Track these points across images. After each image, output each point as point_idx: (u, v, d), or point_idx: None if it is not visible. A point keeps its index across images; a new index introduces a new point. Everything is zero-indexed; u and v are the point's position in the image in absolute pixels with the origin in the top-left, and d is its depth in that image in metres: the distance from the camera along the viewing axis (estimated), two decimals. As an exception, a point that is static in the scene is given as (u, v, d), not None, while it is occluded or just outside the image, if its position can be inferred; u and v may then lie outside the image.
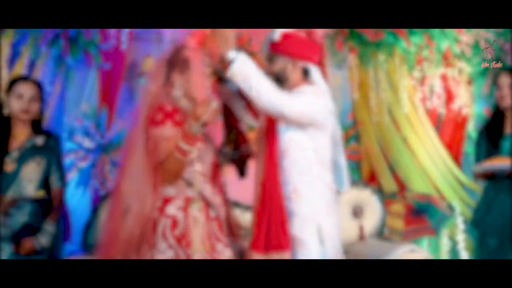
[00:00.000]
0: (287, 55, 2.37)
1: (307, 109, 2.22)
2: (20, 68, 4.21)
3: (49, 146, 2.90)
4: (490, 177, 3.32)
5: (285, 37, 2.37)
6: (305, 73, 2.44)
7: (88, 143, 4.34)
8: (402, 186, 5.12)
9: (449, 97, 5.30)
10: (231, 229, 2.34)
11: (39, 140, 2.87)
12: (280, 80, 2.39)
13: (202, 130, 2.03)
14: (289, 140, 2.29)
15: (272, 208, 2.19)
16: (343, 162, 2.51)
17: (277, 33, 2.37)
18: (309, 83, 2.39)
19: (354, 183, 3.76)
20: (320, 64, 2.44)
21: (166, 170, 2.04)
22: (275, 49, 2.38)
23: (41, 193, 2.75)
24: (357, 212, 3.70)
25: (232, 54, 2.12)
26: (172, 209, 2.10)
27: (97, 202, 4.01)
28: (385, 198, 4.21)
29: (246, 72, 2.11)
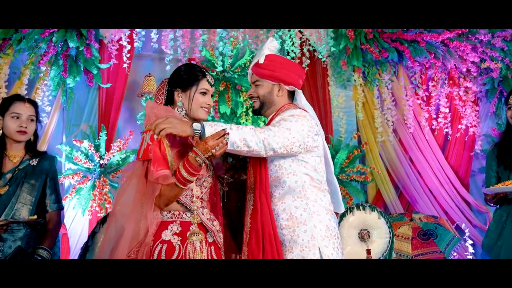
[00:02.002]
0: (273, 78, 2.35)
1: (295, 137, 2.13)
2: (19, 88, 4.16)
3: (44, 168, 2.79)
4: (502, 200, 3.20)
5: (270, 60, 2.35)
6: (291, 96, 2.42)
7: (87, 164, 4.24)
8: (409, 208, 5.04)
9: (456, 116, 5.27)
10: (229, 255, 2.26)
11: (34, 162, 2.78)
12: (266, 104, 2.37)
13: (207, 161, 1.95)
14: (279, 167, 2.20)
15: (266, 238, 2.10)
16: (335, 182, 2.44)
17: (262, 57, 2.35)
18: (294, 106, 2.36)
19: (361, 205, 3.64)
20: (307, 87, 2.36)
21: (162, 195, 1.96)
22: (260, 73, 2.36)
23: (35, 217, 2.64)
24: (364, 235, 3.58)
25: (196, 125, 1.99)
26: (168, 234, 2.00)
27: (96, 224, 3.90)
28: (392, 221, 4.09)
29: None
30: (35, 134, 2.85)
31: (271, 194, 2.20)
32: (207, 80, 2.22)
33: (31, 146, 2.82)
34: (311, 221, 2.15)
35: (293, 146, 2.13)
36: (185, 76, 2.20)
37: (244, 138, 2.02)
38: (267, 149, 2.07)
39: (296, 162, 2.20)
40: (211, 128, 1.98)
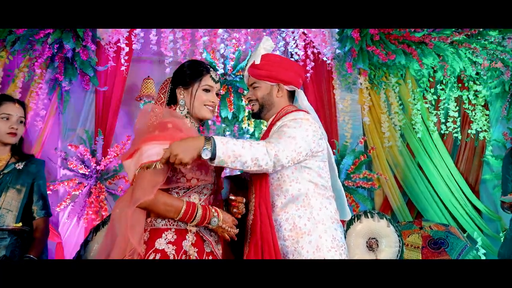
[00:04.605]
0: (271, 79, 2.22)
1: (301, 146, 2.01)
2: (13, 91, 4.02)
3: (30, 172, 2.66)
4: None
5: (267, 60, 2.23)
6: (291, 96, 2.30)
7: (83, 170, 4.08)
8: (418, 216, 4.87)
9: (465, 121, 5.12)
10: None
11: (20, 165, 2.64)
12: (266, 106, 2.24)
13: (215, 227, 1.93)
14: (281, 175, 2.07)
15: (265, 251, 1.95)
16: (340, 187, 2.31)
17: (258, 57, 2.23)
18: (296, 109, 2.23)
19: (369, 213, 3.47)
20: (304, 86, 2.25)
21: (151, 206, 1.81)
22: (257, 74, 2.23)
23: (20, 225, 2.49)
24: (372, 244, 3.41)
25: (205, 153, 1.83)
26: (162, 243, 1.84)
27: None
28: (401, 229, 3.91)
29: (229, 154, 1.86)
30: (21, 137, 2.72)
31: (273, 203, 2.06)
32: (211, 76, 2.08)
33: (17, 149, 2.69)
34: (316, 231, 2.01)
35: (300, 156, 2.01)
36: (188, 72, 2.07)
37: (256, 157, 1.90)
38: (276, 165, 1.95)
39: (299, 168, 2.06)
40: (223, 146, 1.84)
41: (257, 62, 2.22)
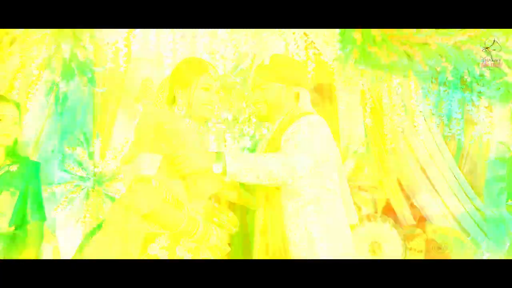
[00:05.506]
0: (280, 80, 2.18)
1: (319, 153, 2.01)
2: (10, 93, 3.99)
3: (25, 174, 2.58)
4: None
5: (276, 61, 2.21)
6: (297, 98, 2.25)
7: (80, 173, 4.04)
8: (421, 219, 4.81)
9: (469, 122, 5.04)
10: None
11: (13, 168, 2.57)
12: (274, 108, 2.20)
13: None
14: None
15: (275, 255, 1.93)
16: (347, 191, 2.28)
17: (267, 58, 2.22)
18: (306, 111, 2.18)
19: (372, 216, 3.42)
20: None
21: (153, 215, 1.76)
22: (266, 75, 2.19)
23: (12, 229, 2.45)
24: (375, 248, 3.36)
25: (216, 168, 1.82)
26: (155, 248, 1.78)
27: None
28: (405, 233, 3.87)
29: (241, 168, 1.83)
30: (15, 139, 2.67)
31: (284, 208, 2.02)
32: (210, 74, 2.02)
33: (11, 151, 2.63)
34: (329, 238, 1.99)
35: (317, 164, 1.99)
36: (186, 71, 2.02)
37: (270, 170, 1.86)
38: (294, 177, 1.92)
39: (311, 173, 2.02)
40: (234, 160, 1.82)
41: (266, 62, 2.20)
